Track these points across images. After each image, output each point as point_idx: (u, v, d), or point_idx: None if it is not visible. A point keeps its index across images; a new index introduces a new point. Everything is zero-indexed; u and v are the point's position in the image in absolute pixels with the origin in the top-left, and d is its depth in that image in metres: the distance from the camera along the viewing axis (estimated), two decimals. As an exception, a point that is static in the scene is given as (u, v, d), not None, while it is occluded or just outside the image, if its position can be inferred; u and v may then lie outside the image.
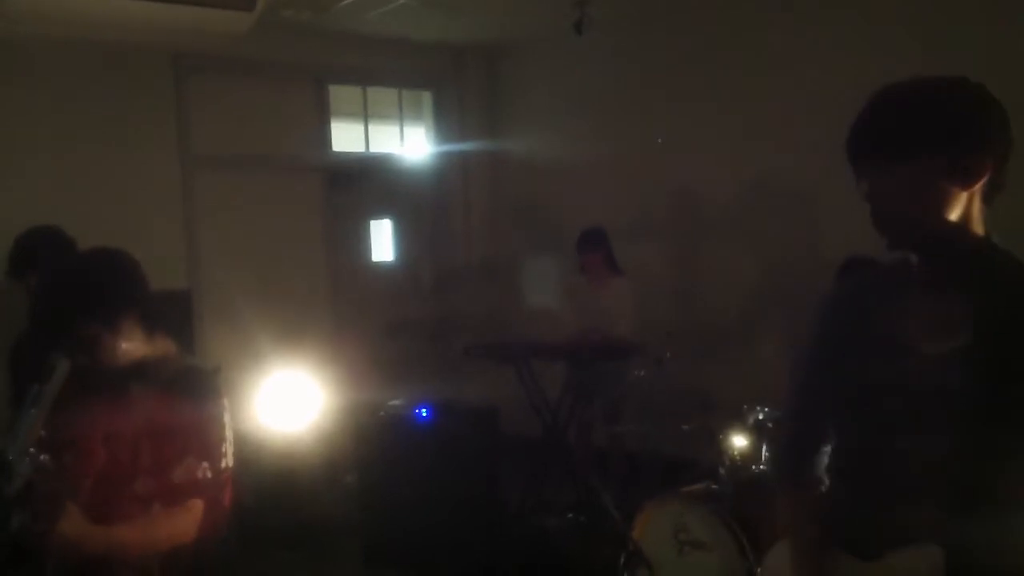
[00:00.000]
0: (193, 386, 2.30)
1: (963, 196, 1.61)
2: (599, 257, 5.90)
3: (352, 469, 5.55)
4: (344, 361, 6.65)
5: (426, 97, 7.98)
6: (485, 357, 5.79)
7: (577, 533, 5.08)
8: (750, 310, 5.87)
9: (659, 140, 6.34)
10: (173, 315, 4.70)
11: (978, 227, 1.66)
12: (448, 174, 7.92)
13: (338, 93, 7.43)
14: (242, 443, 2.44)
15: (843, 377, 1.75)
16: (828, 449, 1.87)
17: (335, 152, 7.41)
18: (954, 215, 1.62)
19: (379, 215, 7.79)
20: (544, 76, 7.45)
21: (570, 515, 5.23)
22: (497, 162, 7.92)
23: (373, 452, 5.13)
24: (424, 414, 4.93)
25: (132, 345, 2.27)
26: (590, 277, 5.96)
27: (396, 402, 5.24)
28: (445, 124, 7.93)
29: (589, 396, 5.53)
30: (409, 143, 7.91)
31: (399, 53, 7.37)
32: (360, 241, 7.70)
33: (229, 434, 2.31)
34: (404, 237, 7.88)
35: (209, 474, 2.23)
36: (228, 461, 2.30)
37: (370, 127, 7.64)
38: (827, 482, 1.87)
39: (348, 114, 7.52)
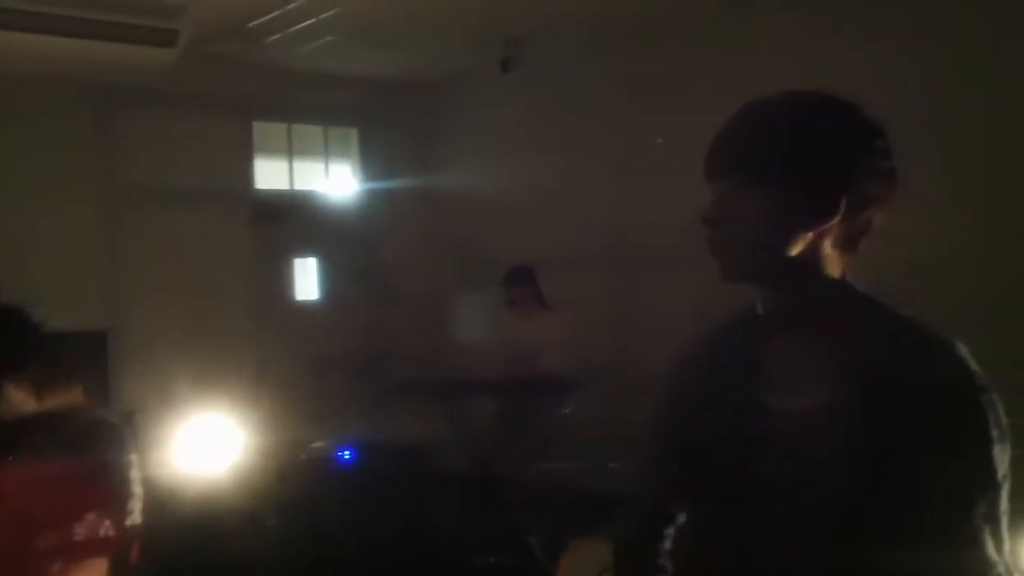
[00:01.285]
0: (98, 439, 2.17)
1: (814, 235, 1.38)
2: (527, 292, 5.88)
3: (274, 513, 5.40)
4: (267, 402, 6.49)
5: (352, 134, 7.91)
6: (413, 394, 5.72)
7: (503, 573, 5.00)
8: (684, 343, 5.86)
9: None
10: (88, 358, 4.54)
11: (833, 270, 1.41)
12: (376, 211, 7.84)
13: (263, 129, 7.33)
14: (159, 488, 2.33)
15: (693, 444, 1.51)
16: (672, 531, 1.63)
17: (259, 189, 7.29)
18: (803, 253, 1.39)
19: (304, 253, 7.67)
20: (475, 112, 7.43)
21: (494, 557, 5.14)
22: (427, 198, 7.87)
23: (296, 496, 5.00)
24: (347, 456, 4.82)
25: (28, 400, 2.15)
26: (518, 312, 5.92)
27: (319, 444, 5.13)
28: (372, 161, 7.86)
29: (519, 432, 5.47)
30: (335, 180, 7.83)
31: (325, 89, 7.30)
32: (285, 279, 7.57)
33: (137, 489, 2.19)
34: (330, 275, 7.77)
35: (112, 532, 2.11)
36: (135, 518, 2.18)
37: (295, 164, 7.55)
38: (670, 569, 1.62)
39: (273, 150, 7.42)
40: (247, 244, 7.15)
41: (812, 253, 1.38)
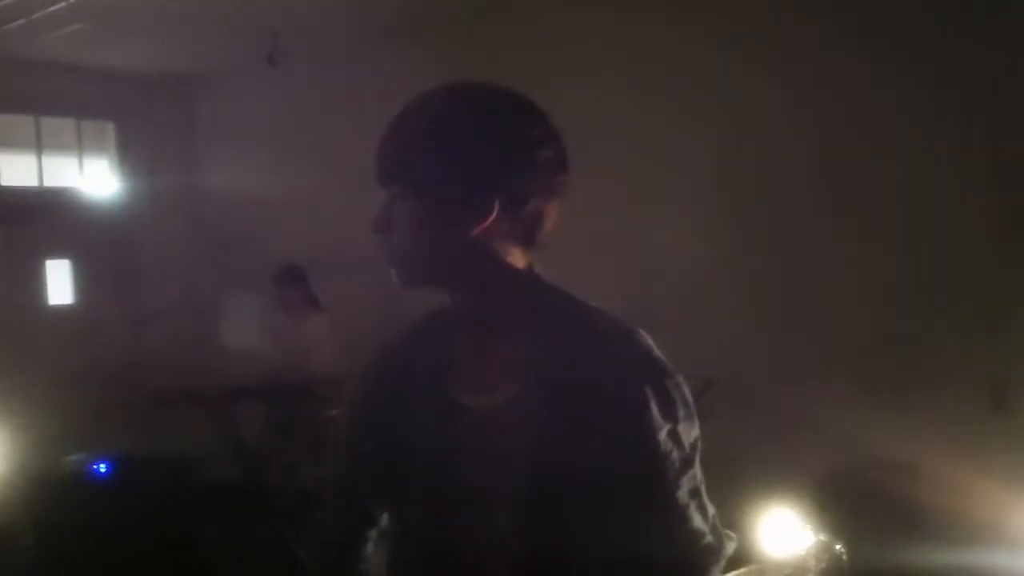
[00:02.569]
0: None
1: (483, 232, 1.33)
2: (298, 293, 5.77)
3: (29, 533, 5.04)
4: (18, 414, 6.04)
5: (109, 128, 7.48)
6: (176, 402, 5.48)
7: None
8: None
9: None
10: None
11: (514, 264, 1.38)
12: (137, 209, 7.44)
13: (7, 122, 6.81)
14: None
15: (388, 446, 1.45)
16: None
17: (4, 186, 6.77)
18: (476, 252, 1.35)
19: (57, 254, 7.17)
20: (242, 107, 7.20)
21: (260, 567, 4.99)
22: (192, 196, 7.55)
23: (52, 513, 4.67)
24: (103, 469, 4.55)
25: None
26: (288, 313, 5.79)
27: (75, 457, 4.82)
28: (131, 157, 7.46)
29: (288, 437, 5.35)
30: (90, 176, 7.37)
31: (76, 80, 6.87)
32: (35, 283, 7.06)
33: None
34: (86, 277, 7.31)
35: None
36: None
37: (45, 159, 7.05)
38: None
39: (18, 144, 6.91)
40: (-9, 245, 6.63)
41: (486, 250, 1.35)
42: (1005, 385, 4.24)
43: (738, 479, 3.62)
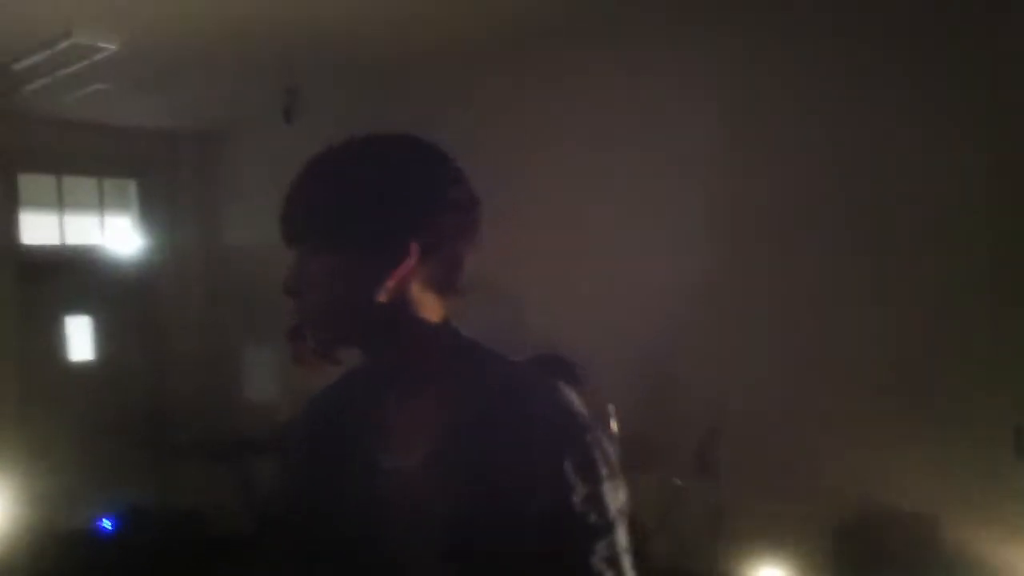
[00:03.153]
0: None
1: (396, 284, 1.31)
2: (311, 347, 5.75)
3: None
4: (38, 472, 6.05)
5: (131, 185, 7.57)
6: (194, 456, 5.47)
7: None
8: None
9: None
10: None
11: (430, 315, 1.36)
12: (158, 265, 7.50)
13: (30, 182, 6.91)
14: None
15: (313, 509, 1.41)
16: None
17: (25, 244, 6.85)
18: (391, 306, 1.32)
19: (77, 311, 7.23)
20: (261, 161, 7.25)
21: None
22: (213, 251, 7.60)
23: (53, 572, 4.63)
24: (108, 525, 4.52)
25: None
26: (303, 366, 5.77)
27: (82, 513, 4.80)
28: (153, 213, 7.54)
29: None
30: (111, 234, 7.45)
31: (98, 139, 6.97)
32: (56, 340, 7.10)
33: None
34: (106, 333, 7.35)
35: None
36: None
37: (67, 218, 7.14)
38: None
39: (41, 204, 6.99)
40: (13, 303, 6.68)
41: (401, 303, 1.32)
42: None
43: (744, 532, 3.56)
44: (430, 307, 1.35)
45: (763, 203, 4.89)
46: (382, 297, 1.30)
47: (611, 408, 3.98)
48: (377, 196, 1.31)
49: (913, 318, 4.42)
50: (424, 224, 1.31)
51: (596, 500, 1.25)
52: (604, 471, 1.27)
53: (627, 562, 1.28)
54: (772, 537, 3.88)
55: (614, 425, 3.95)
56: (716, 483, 3.58)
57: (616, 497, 1.27)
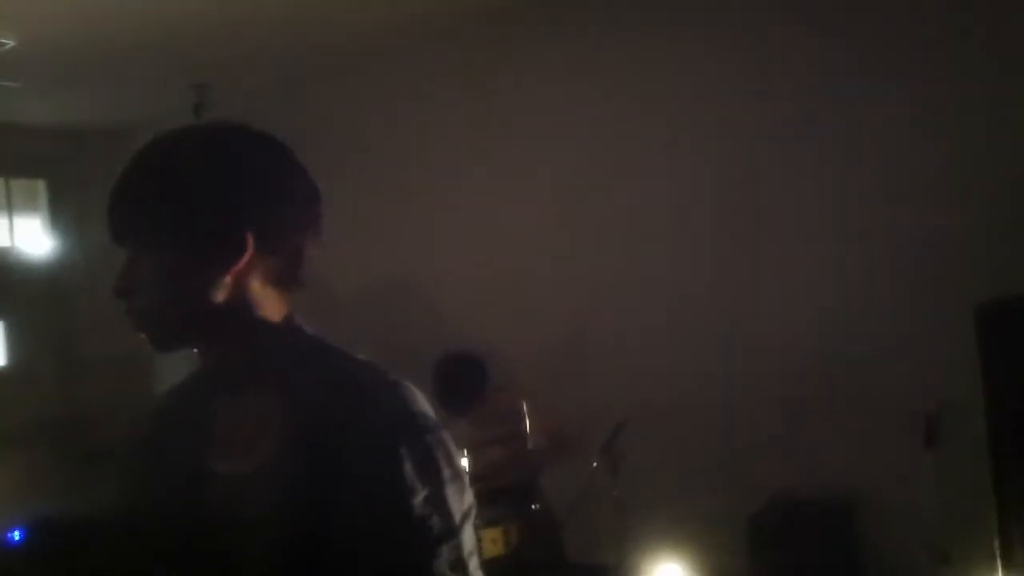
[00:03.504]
0: None
1: (234, 280, 1.26)
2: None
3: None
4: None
5: (40, 185, 7.36)
6: (109, 463, 5.34)
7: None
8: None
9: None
10: None
11: (271, 313, 1.31)
12: (70, 266, 7.30)
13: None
14: None
15: (147, 517, 1.34)
16: None
17: (-72, 248, 6.65)
18: (228, 303, 1.26)
19: (-11, 315, 7.01)
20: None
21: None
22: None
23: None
24: (17, 537, 4.40)
25: None
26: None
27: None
28: (63, 213, 7.34)
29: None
30: (20, 236, 7.24)
31: (5, 138, 6.76)
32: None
33: None
34: (16, 338, 7.14)
35: None
36: None
37: (-27, 220, 6.93)
38: None
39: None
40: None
41: (239, 301, 1.27)
42: (938, 421, 4.11)
43: (650, 525, 3.59)
44: (271, 304, 1.30)
45: (669, 197, 4.95)
46: (220, 295, 1.25)
47: (524, 404, 3.98)
48: (207, 188, 1.25)
49: (824, 309, 4.49)
50: (260, 216, 1.26)
51: (439, 503, 1.21)
52: (447, 473, 1.23)
53: (473, 564, 1.24)
54: (681, 529, 3.91)
55: (528, 420, 3.95)
56: (618, 476, 3.60)
57: (461, 500, 1.24)
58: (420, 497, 1.19)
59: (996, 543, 3.41)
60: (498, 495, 4.01)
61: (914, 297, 4.26)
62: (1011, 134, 4.05)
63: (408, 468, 1.19)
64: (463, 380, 4.24)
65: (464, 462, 3.67)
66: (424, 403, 1.27)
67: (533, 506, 3.91)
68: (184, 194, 1.25)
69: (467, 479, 1.27)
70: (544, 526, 3.95)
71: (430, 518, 1.20)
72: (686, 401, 4.69)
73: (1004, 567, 3.40)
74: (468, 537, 1.25)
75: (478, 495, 4.09)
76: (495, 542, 3.79)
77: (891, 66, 4.29)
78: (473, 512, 1.27)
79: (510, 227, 5.39)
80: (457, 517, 1.23)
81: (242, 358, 1.30)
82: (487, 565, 3.62)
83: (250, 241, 1.25)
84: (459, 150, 5.62)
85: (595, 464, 3.72)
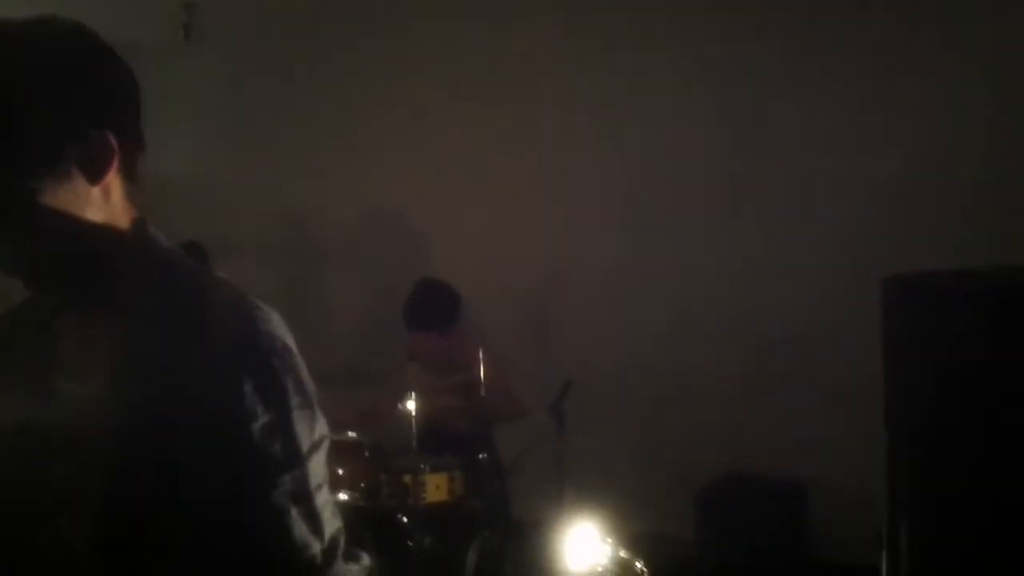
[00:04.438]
0: None
1: (100, 190, 1.17)
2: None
3: None
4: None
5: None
6: None
7: None
8: (366, 335, 5.77)
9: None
10: None
11: (122, 221, 1.22)
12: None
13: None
14: None
15: None
16: None
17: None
18: (98, 216, 1.18)
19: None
20: (155, 83, 6.93)
21: None
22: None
23: None
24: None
25: None
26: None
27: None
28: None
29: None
30: None
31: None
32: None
33: None
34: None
35: None
36: None
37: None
38: None
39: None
40: None
41: (108, 213, 1.18)
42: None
43: (597, 485, 3.58)
44: (122, 207, 1.21)
45: (641, 169, 4.88)
46: (95, 205, 1.17)
47: (482, 353, 3.94)
48: (48, 87, 1.14)
49: (789, 285, 4.46)
50: (122, 121, 1.19)
51: (283, 430, 1.15)
52: (295, 400, 1.17)
53: (321, 500, 1.19)
54: (623, 492, 3.89)
55: (483, 370, 3.91)
56: (563, 434, 3.58)
57: (311, 429, 1.18)
58: (260, 422, 1.14)
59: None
60: (447, 442, 4.01)
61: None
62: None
63: (247, 391, 1.13)
64: (433, 302, 4.23)
65: (410, 404, 3.73)
66: (279, 327, 1.20)
67: (481, 455, 3.88)
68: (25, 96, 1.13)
69: (318, 410, 1.21)
70: (490, 477, 3.93)
71: (271, 446, 1.14)
72: (646, 368, 4.69)
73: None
74: (317, 468, 1.19)
75: (428, 439, 4.02)
76: (439, 488, 3.77)
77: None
78: (326, 443, 1.22)
79: (503, 176, 5.33)
80: (305, 446, 1.17)
81: (89, 272, 1.20)
82: (428, 509, 3.62)
83: (114, 150, 1.17)
84: (459, 86, 5.51)
85: (542, 419, 3.68)
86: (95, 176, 1.16)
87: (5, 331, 1.32)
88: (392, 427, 3.91)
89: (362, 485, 3.78)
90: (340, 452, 3.81)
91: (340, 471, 3.76)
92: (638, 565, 2.22)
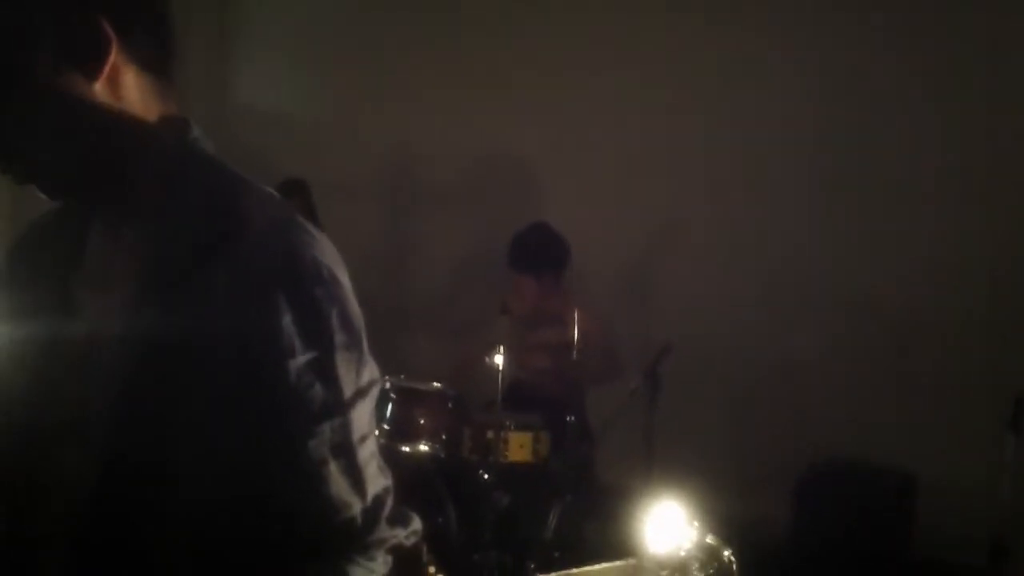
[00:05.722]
0: None
1: (104, 86, 1.01)
2: (300, 205, 5.52)
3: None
4: None
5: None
6: None
7: None
8: (463, 281, 5.66)
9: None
10: None
11: (149, 113, 1.05)
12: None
13: None
14: None
15: None
16: None
17: None
18: (102, 114, 1.01)
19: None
20: (265, 17, 6.84)
21: None
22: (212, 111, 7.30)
23: None
24: None
25: None
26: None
27: None
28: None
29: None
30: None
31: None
32: None
33: None
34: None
35: None
36: None
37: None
38: None
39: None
40: None
41: (113, 110, 1.01)
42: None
43: (688, 461, 3.38)
44: (145, 101, 1.05)
45: (743, 141, 4.73)
46: (82, 109, 1.00)
47: (578, 313, 3.75)
48: None
49: (915, 271, 4.22)
50: (125, 10, 1.01)
51: (325, 371, 0.99)
52: (340, 338, 1.01)
53: (365, 455, 1.03)
54: (713, 469, 3.67)
55: (579, 331, 3.73)
56: (656, 402, 3.36)
57: (357, 373, 1.03)
58: (301, 360, 0.97)
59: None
60: (535, 400, 3.86)
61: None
62: None
63: (287, 322, 0.97)
64: (545, 244, 4.07)
65: (499, 359, 3.56)
66: (328, 253, 1.03)
67: (569, 418, 3.71)
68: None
69: (367, 352, 1.04)
70: (576, 440, 3.76)
71: (311, 388, 0.98)
72: (748, 344, 4.49)
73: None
74: (362, 418, 1.03)
75: (514, 395, 3.85)
76: (523, 447, 3.62)
77: None
78: (375, 391, 1.05)
79: (620, 138, 5.14)
80: (348, 392, 1.01)
81: (119, 177, 1.06)
82: (509, 468, 3.47)
83: (107, 29, 1.00)
84: (586, 42, 5.33)
85: (636, 385, 3.48)
86: (91, 70, 1.00)
87: (33, 239, 1.18)
88: (478, 380, 3.76)
89: (443, 437, 3.66)
90: (423, 401, 3.72)
91: (421, 421, 3.65)
92: (726, 554, 2.02)
